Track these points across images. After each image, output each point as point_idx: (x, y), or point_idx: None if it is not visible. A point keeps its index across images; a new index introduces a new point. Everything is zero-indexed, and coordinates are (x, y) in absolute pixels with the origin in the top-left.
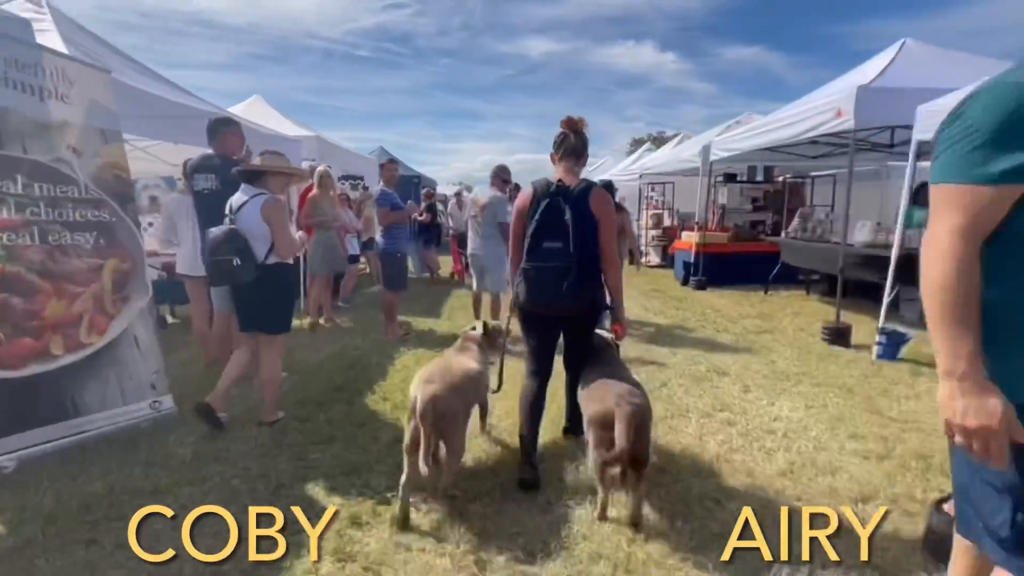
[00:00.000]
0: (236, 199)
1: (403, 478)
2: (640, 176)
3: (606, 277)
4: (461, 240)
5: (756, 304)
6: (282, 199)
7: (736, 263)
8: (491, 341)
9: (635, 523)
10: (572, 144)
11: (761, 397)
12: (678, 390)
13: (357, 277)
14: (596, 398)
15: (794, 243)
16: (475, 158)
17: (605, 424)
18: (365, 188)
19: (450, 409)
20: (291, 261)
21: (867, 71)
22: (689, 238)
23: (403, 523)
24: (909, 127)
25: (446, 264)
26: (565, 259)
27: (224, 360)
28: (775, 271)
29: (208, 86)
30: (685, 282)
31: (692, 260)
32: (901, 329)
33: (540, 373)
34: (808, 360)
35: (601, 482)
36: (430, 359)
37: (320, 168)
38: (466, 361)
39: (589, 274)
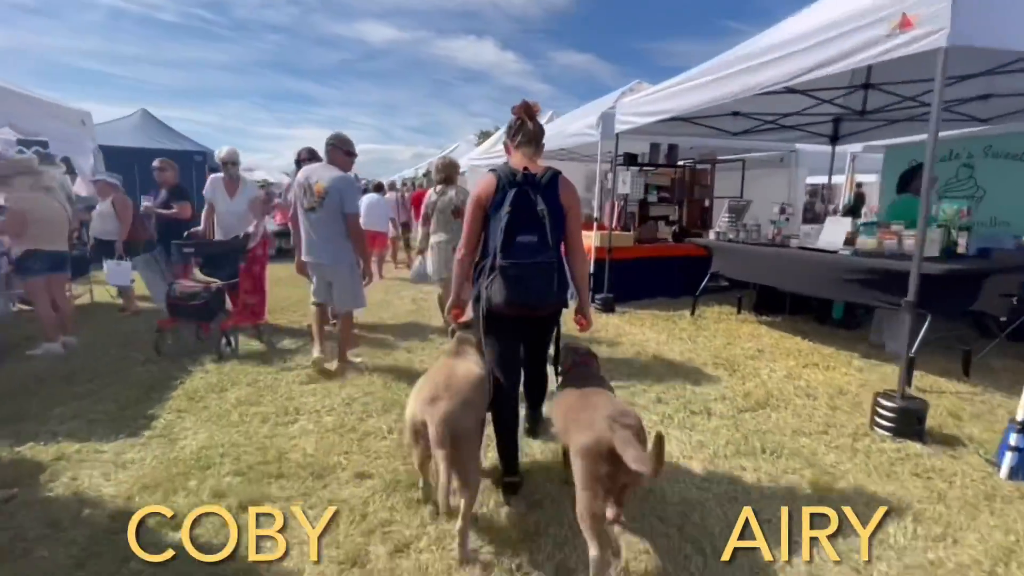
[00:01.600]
0: None
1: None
2: None
3: (574, 270)
4: (210, 260)
5: (693, 335)
6: None
7: (644, 271)
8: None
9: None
10: (530, 131)
11: None
12: None
13: None
14: (583, 423)
15: (737, 248)
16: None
17: (600, 457)
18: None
19: (465, 430)
20: None
21: None
22: (587, 240)
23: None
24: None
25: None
26: (546, 254)
27: None
28: (703, 286)
29: None
30: None
31: (592, 271)
32: None
33: (509, 381)
34: (908, 498)
35: (595, 536)
36: None
37: None
38: (470, 367)
39: (563, 270)
